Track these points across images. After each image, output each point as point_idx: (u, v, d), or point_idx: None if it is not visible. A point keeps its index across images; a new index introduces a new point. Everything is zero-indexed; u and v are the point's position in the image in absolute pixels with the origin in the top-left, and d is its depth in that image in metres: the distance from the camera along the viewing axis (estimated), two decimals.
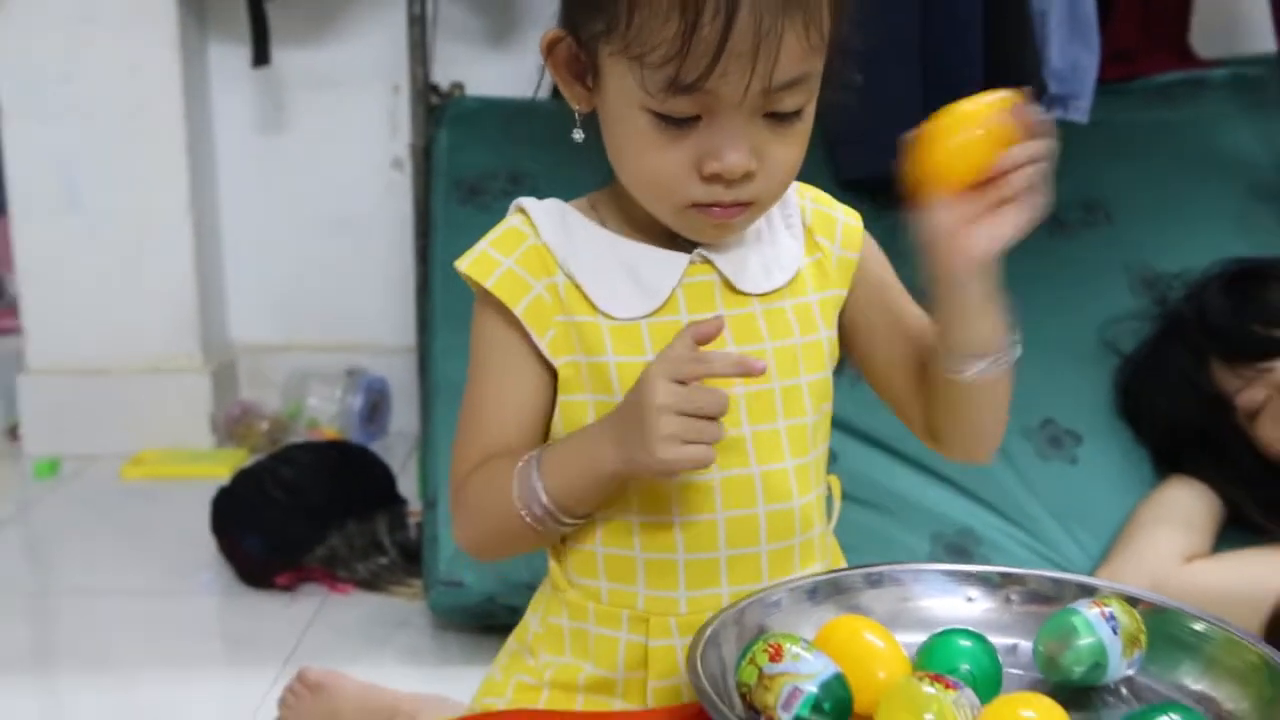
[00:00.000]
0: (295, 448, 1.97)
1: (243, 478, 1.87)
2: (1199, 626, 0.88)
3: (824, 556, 0.97)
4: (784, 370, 0.93)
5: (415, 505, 1.88)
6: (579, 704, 0.94)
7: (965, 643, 0.86)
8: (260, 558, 1.79)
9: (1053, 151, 0.86)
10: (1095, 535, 1.61)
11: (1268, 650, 0.83)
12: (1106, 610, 0.86)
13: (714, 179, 0.84)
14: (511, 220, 0.95)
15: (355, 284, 2.57)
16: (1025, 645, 0.91)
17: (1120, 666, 0.86)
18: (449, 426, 1.69)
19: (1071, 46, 1.81)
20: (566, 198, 0.97)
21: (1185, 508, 1.57)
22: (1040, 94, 1.76)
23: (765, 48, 0.80)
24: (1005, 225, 0.86)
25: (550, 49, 0.91)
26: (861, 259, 0.98)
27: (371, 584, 1.78)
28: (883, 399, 1.02)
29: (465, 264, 0.93)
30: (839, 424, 1.00)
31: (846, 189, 1.75)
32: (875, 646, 0.85)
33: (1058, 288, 1.83)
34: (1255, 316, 1.58)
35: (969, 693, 0.77)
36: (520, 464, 0.88)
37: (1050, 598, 0.93)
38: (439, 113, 2.12)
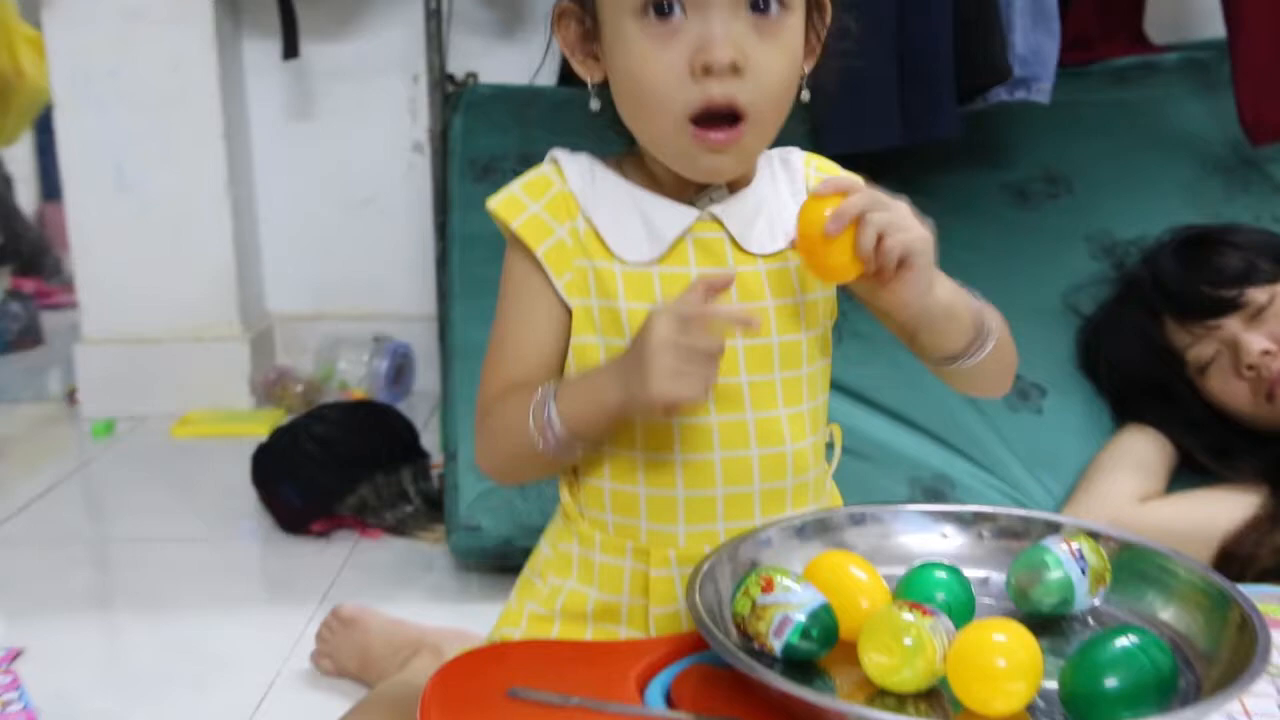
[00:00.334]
0: (327, 407, 1.97)
1: (280, 435, 1.87)
2: (1157, 559, 0.87)
3: (818, 498, 0.96)
4: (783, 327, 0.92)
5: (437, 458, 1.88)
6: (588, 633, 0.94)
7: (941, 574, 0.86)
8: (297, 507, 1.79)
9: (867, 189, 0.85)
10: (1059, 479, 1.61)
11: (1217, 579, 0.83)
12: (1075, 547, 0.85)
13: (705, 73, 0.83)
14: (543, 168, 0.95)
15: (380, 257, 2.56)
16: (996, 577, 0.91)
17: (1086, 600, 0.85)
18: (467, 386, 1.69)
19: (1034, 33, 1.79)
20: None
21: (1141, 453, 1.57)
22: (1006, 77, 1.75)
23: None
24: (913, 271, 0.85)
25: (559, 20, 0.91)
26: None
27: (398, 529, 1.78)
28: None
29: (495, 203, 0.93)
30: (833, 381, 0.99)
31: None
32: (859, 578, 0.84)
33: (1024, 255, 1.83)
34: (1204, 279, 1.57)
35: (945, 619, 0.76)
36: (538, 395, 0.88)
37: (1019, 533, 0.93)
38: (454, 100, 2.11)
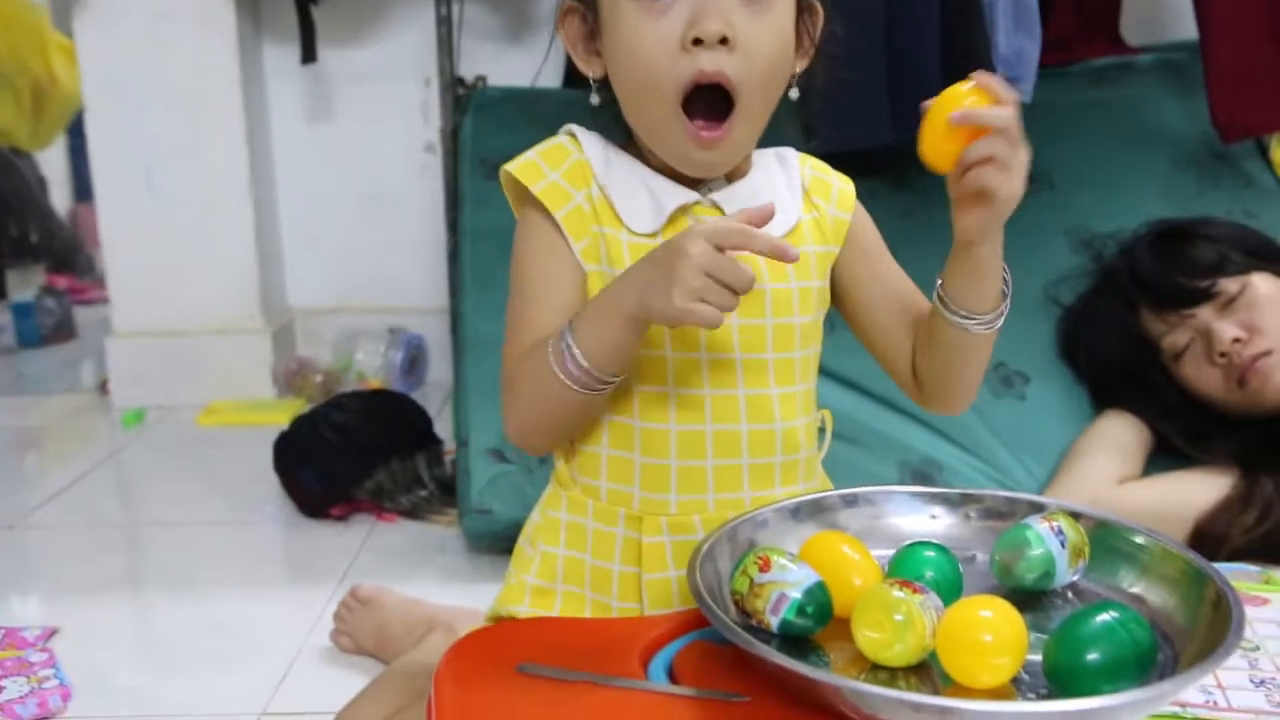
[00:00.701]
0: (345, 396, 1.96)
1: (300, 423, 1.86)
2: (1134, 538, 0.87)
3: (807, 479, 0.96)
4: (778, 309, 0.91)
5: (450, 445, 1.88)
6: (587, 605, 0.93)
7: (930, 553, 0.85)
8: (317, 492, 1.78)
9: (1013, 123, 0.82)
10: (1042, 462, 1.60)
11: (1192, 556, 0.83)
12: (1055, 525, 0.85)
13: (696, 45, 0.83)
14: (558, 139, 0.94)
15: (395, 253, 2.56)
16: (982, 556, 0.90)
17: (1066, 574, 0.85)
18: (478, 376, 1.69)
19: (1016, 35, 1.78)
20: None
21: (1119, 437, 1.57)
22: None
23: None
24: (986, 209, 0.84)
25: (562, 20, 0.91)
26: (853, 220, 0.97)
27: (413, 513, 1.78)
28: (870, 352, 1.00)
29: (514, 167, 0.91)
30: (823, 368, 0.99)
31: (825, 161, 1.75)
32: (851, 558, 0.84)
33: (1007, 248, 1.79)
34: (1179, 270, 1.57)
35: (933, 596, 0.76)
36: (555, 334, 0.86)
37: (1004, 514, 0.93)
38: (465, 102, 2.10)
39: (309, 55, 2.33)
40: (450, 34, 2.21)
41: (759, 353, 0.91)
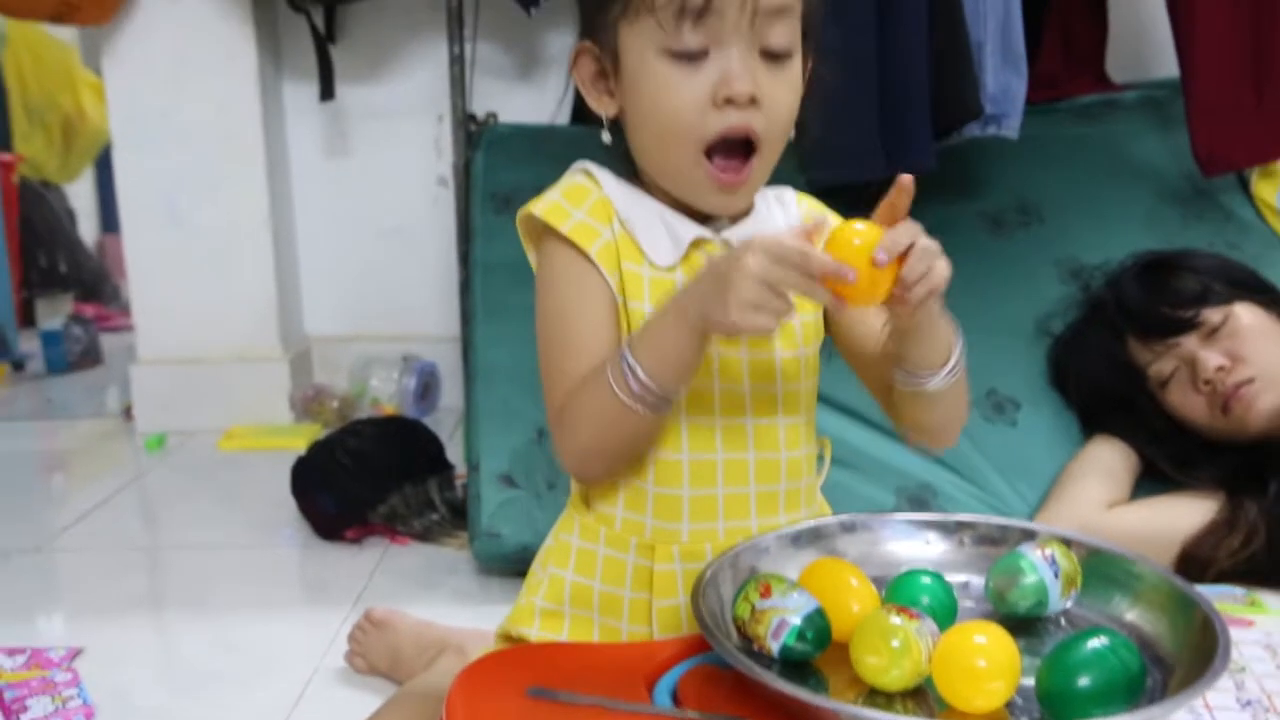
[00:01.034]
0: (360, 422, 1.96)
1: (317, 448, 1.86)
2: (1125, 565, 0.87)
3: (809, 505, 0.95)
4: (785, 342, 0.92)
5: (461, 470, 1.87)
6: (595, 629, 0.93)
7: (925, 580, 0.85)
8: (332, 515, 1.78)
9: (917, 226, 0.80)
10: (1033, 486, 1.59)
11: (1179, 582, 0.83)
12: (1049, 553, 0.85)
13: (726, 104, 0.84)
14: (576, 178, 0.94)
15: (408, 283, 2.56)
16: (976, 582, 0.90)
17: (1059, 602, 0.85)
18: (489, 403, 1.68)
19: (1004, 73, 1.79)
20: None
21: (1107, 462, 1.56)
22: (978, 114, 1.75)
23: None
24: (930, 305, 0.83)
25: (576, 61, 0.91)
26: None
27: (425, 536, 1.77)
28: (866, 388, 0.99)
29: (540, 210, 0.90)
30: (823, 395, 0.99)
31: (815, 195, 1.75)
32: (850, 584, 0.84)
33: (998, 278, 1.82)
34: (1164, 300, 1.56)
35: (929, 622, 0.76)
36: (612, 357, 0.85)
37: (997, 541, 0.92)
38: (476, 137, 2.11)
39: (327, 93, 2.35)
40: (462, 72, 2.22)
41: (768, 384, 0.91)
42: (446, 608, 1.48)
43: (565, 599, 0.94)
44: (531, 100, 2.42)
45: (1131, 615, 0.84)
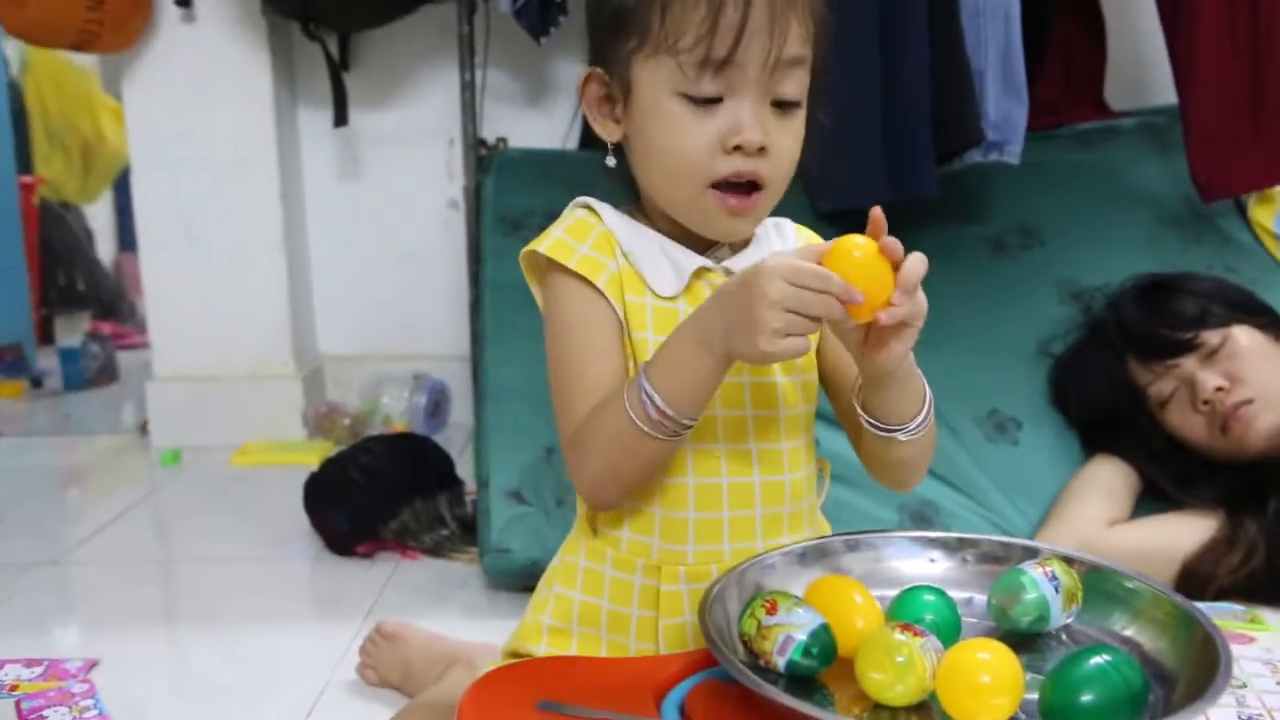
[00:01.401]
0: (372, 439, 1.96)
1: (329, 464, 1.86)
2: (1125, 583, 0.86)
3: (811, 525, 0.95)
4: (786, 368, 0.92)
5: (471, 486, 1.87)
6: (603, 645, 0.93)
7: (929, 597, 0.85)
8: (344, 530, 1.78)
9: (920, 263, 0.79)
10: (1034, 504, 1.59)
11: (1179, 600, 0.82)
12: (1049, 570, 0.84)
13: (735, 151, 0.84)
14: (577, 213, 0.93)
15: (420, 304, 2.57)
16: (979, 599, 0.90)
17: (1060, 617, 0.84)
18: (498, 420, 1.68)
19: (1005, 101, 1.79)
20: None
21: (1108, 481, 1.56)
22: (979, 141, 1.75)
23: (778, 25, 0.82)
24: (904, 339, 0.82)
25: (583, 86, 0.91)
26: None
27: (436, 551, 1.77)
28: (839, 420, 0.98)
29: (544, 248, 0.90)
30: (820, 413, 0.99)
31: (820, 220, 1.75)
32: (855, 601, 0.84)
33: (1000, 300, 1.82)
34: (1163, 322, 1.56)
35: (933, 639, 0.76)
36: (627, 385, 0.84)
37: (999, 558, 0.92)
38: (487, 162, 2.12)
39: (341, 119, 2.36)
40: (473, 98, 2.23)
41: (770, 409, 0.91)
42: (457, 621, 1.48)
43: (573, 617, 0.94)
44: (541, 126, 2.43)
45: (1132, 632, 0.84)
